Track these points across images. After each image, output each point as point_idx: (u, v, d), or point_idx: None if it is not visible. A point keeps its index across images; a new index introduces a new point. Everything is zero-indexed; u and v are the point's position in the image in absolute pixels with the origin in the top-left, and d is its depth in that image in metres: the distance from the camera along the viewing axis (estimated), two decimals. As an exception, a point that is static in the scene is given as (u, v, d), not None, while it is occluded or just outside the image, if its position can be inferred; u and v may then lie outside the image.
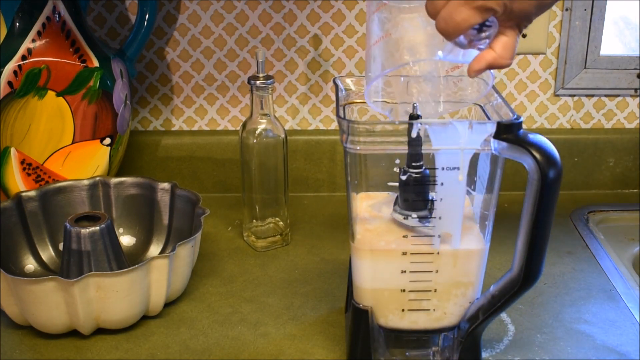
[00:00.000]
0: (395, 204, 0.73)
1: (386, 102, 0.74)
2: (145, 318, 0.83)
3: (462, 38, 0.64)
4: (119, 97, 1.00)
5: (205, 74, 1.14)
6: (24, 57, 0.92)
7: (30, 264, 0.92)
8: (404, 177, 0.71)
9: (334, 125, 1.18)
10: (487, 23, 0.63)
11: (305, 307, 0.87)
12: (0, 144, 0.94)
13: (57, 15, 0.94)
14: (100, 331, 0.81)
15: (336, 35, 1.12)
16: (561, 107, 1.17)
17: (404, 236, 0.71)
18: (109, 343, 0.80)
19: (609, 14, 1.12)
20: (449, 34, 0.63)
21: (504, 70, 1.14)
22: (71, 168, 0.98)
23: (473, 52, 0.65)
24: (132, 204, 0.97)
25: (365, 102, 0.77)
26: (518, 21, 0.64)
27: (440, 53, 0.65)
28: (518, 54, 1.13)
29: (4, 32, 0.92)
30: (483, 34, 0.64)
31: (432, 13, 0.63)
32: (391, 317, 0.73)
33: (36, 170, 0.96)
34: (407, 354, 0.75)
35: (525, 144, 0.63)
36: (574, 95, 1.17)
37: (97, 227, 0.83)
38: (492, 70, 0.68)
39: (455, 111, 0.78)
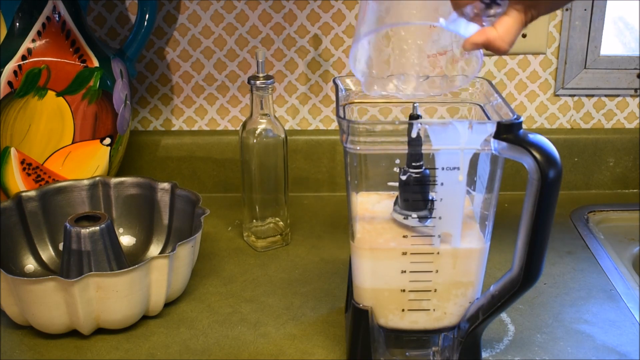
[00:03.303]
0: (395, 204, 0.73)
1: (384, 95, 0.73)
2: (145, 318, 0.83)
3: (469, 9, 0.63)
4: (119, 97, 1.00)
5: (205, 74, 1.14)
6: (24, 57, 0.92)
7: (30, 264, 0.92)
8: (404, 177, 0.71)
9: (334, 125, 1.18)
10: (498, 1, 0.63)
11: (305, 307, 0.87)
12: (0, 144, 0.94)
13: (57, 15, 0.94)
14: (100, 331, 0.81)
15: (336, 35, 1.12)
16: (561, 107, 1.17)
17: (404, 236, 0.71)
18: (109, 343, 0.80)
19: (609, 14, 1.12)
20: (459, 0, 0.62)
21: (503, 70, 1.14)
22: (71, 168, 0.98)
23: (474, 27, 0.64)
24: (132, 204, 0.97)
25: (365, 102, 0.77)
26: (527, 7, 0.63)
27: (442, 21, 0.63)
28: (518, 53, 1.13)
29: (4, 32, 0.92)
30: (491, 11, 0.63)
31: None
32: (391, 317, 0.73)
33: (36, 170, 0.97)
34: (407, 354, 0.75)
35: (525, 144, 0.63)
36: (574, 95, 1.17)
37: (97, 227, 0.83)
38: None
39: (456, 111, 0.78)
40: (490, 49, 0.64)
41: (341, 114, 0.71)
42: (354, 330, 0.74)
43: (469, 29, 0.64)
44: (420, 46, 0.69)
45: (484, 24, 0.64)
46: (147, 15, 1.03)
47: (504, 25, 0.63)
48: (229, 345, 0.80)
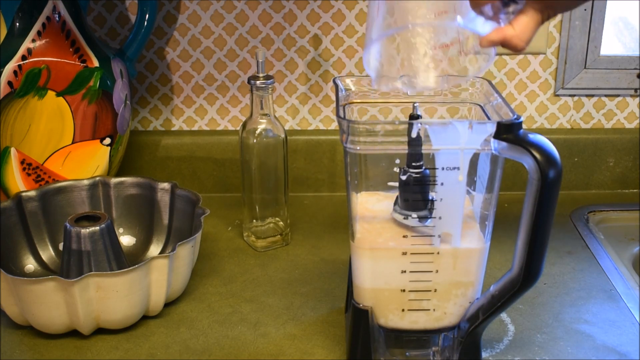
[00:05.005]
0: (395, 203, 0.73)
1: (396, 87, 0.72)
2: (145, 318, 0.83)
3: (488, 8, 0.63)
4: (119, 97, 1.00)
5: (205, 74, 1.14)
6: (24, 57, 0.92)
7: (30, 264, 0.92)
8: (404, 177, 0.71)
9: (334, 125, 1.18)
10: None
11: (305, 307, 0.87)
12: (0, 144, 0.94)
13: (57, 15, 0.94)
14: (100, 331, 0.81)
15: (336, 35, 1.12)
16: (561, 107, 1.17)
17: (404, 236, 0.71)
18: (109, 343, 0.80)
19: (609, 14, 1.12)
20: None
21: (503, 70, 1.14)
22: (71, 168, 0.98)
23: (491, 25, 0.64)
24: (132, 204, 0.97)
25: (365, 102, 0.77)
26: (543, 6, 0.64)
27: (459, 19, 0.64)
28: (518, 53, 1.13)
29: (4, 32, 0.92)
30: (510, 8, 0.64)
31: None
32: (391, 317, 0.73)
33: (36, 170, 0.97)
34: (407, 354, 0.75)
35: (525, 144, 0.63)
36: (574, 95, 1.17)
37: (97, 227, 0.83)
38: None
39: (456, 111, 0.78)
40: (507, 46, 0.64)
41: (341, 114, 0.71)
42: (354, 330, 0.74)
43: (486, 27, 0.64)
44: (427, 40, 0.69)
45: (500, 21, 0.64)
46: (147, 15, 1.03)
47: (521, 24, 0.64)
48: (229, 345, 0.80)
